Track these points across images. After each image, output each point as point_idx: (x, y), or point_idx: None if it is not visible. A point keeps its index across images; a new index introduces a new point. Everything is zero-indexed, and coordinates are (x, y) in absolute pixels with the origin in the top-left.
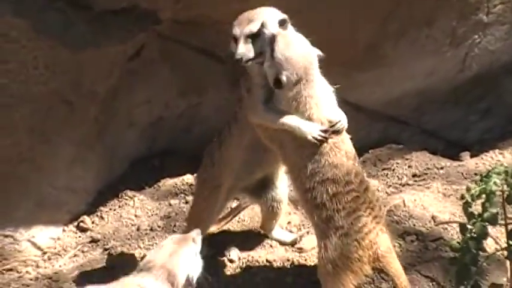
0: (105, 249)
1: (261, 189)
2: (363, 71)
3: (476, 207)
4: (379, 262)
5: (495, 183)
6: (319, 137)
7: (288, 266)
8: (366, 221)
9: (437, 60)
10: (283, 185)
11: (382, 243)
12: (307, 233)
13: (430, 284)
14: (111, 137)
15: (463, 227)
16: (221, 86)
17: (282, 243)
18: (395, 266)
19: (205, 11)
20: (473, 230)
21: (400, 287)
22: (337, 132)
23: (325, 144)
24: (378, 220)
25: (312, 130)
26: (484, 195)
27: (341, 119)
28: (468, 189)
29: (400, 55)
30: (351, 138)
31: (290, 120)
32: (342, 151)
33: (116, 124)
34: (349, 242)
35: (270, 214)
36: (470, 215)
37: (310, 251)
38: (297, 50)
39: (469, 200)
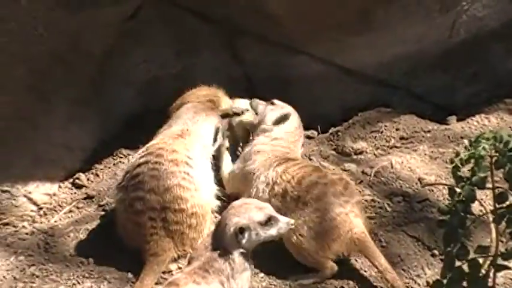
0: (100, 206)
1: None
2: (354, 36)
3: (464, 171)
4: (354, 245)
5: (484, 148)
6: None
7: None
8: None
9: (427, 26)
10: None
11: (355, 225)
12: None
13: (416, 243)
14: (108, 96)
15: (451, 191)
16: (215, 46)
17: None
18: (372, 249)
19: None
20: (462, 194)
21: (380, 268)
22: None
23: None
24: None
25: None
26: (472, 160)
27: None
28: (457, 154)
29: (391, 20)
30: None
31: None
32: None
33: (112, 83)
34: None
35: None
36: (459, 179)
37: None
38: None
39: (458, 164)
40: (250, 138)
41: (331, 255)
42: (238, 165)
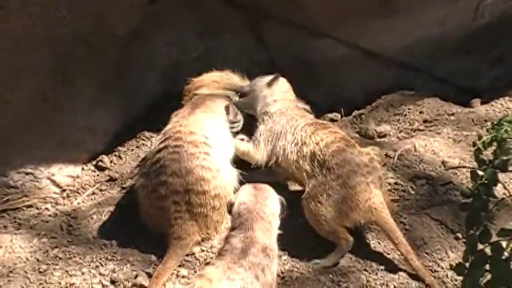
0: (123, 188)
1: None
2: (377, 19)
3: (486, 153)
4: (372, 215)
5: (506, 131)
6: None
7: None
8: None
9: (450, 9)
10: None
11: (375, 195)
12: None
13: (439, 227)
14: (131, 79)
15: (474, 174)
16: (238, 30)
17: None
18: (389, 221)
19: None
20: (484, 177)
21: (395, 241)
22: None
23: None
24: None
25: None
26: (495, 143)
27: None
28: (480, 137)
29: (414, 3)
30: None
31: None
32: None
33: (135, 66)
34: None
35: None
36: (481, 162)
37: None
38: None
39: (481, 147)
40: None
41: (348, 224)
42: (261, 131)
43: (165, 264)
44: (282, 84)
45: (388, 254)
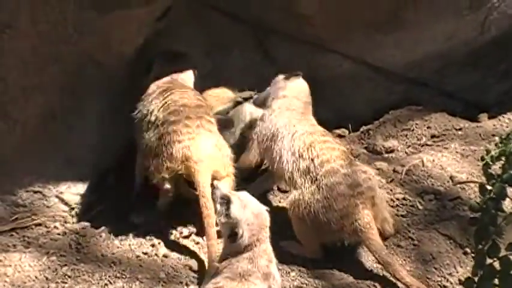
0: (131, 206)
1: None
2: (384, 34)
3: (495, 168)
4: (357, 236)
5: None
6: None
7: None
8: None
9: (457, 24)
10: None
11: (362, 217)
12: None
13: (448, 242)
14: (139, 96)
15: (482, 188)
16: (245, 46)
17: None
18: (374, 242)
19: None
20: (493, 191)
21: (381, 261)
22: None
23: None
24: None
25: None
26: (503, 157)
27: None
28: (488, 151)
29: (421, 18)
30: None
31: None
32: None
33: (143, 83)
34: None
35: None
36: (489, 176)
37: None
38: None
39: (489, 161)
40: None
41: (328, 241)
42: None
43: None
44: (299, 83)
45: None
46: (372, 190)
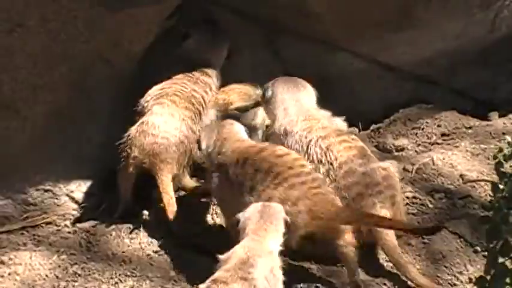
0: (141, 203)
1: None
2: (394, 32)
3: (506, 167)
4: (372, 236)
5: None
6: None
7: None
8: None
9: (467, 22)
10: None
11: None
12: None
13: (458, 240)
14: None
15: (494, 186)
16: (255, 45)
17: None
18: (388, 243)
19: None
20: (505, 190)
21: (392, 261)
22: None
23: None
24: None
25: None
26: None
27: None
28: (500, 150)
29: (431, 16)
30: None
31: None
32: None
33: (152, 82)
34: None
35: None
36: (502, 175)
37: None
38: None
39: (501, 160)
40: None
41: None
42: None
43: None
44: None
45: None
46: (392, 188)
